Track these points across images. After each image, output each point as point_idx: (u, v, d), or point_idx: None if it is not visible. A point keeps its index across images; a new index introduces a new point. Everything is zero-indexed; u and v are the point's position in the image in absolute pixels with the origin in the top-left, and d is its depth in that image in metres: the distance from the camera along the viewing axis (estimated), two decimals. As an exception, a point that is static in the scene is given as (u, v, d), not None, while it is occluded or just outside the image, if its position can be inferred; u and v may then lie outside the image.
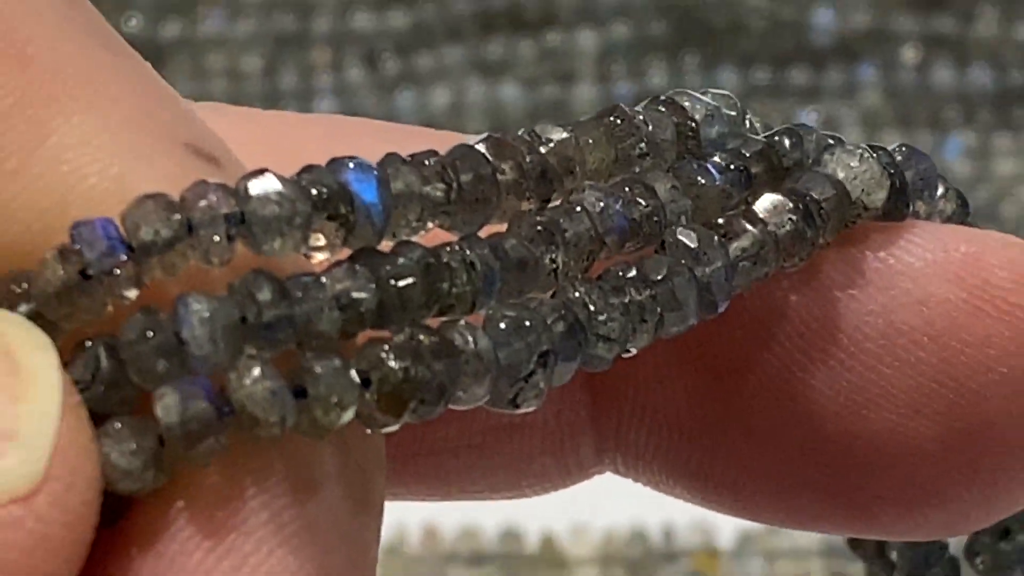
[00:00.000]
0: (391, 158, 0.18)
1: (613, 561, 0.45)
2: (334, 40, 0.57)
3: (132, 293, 0.17)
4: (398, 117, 0.56)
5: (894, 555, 0.24)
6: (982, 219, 0.47)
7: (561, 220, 0.19)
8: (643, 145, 0.20)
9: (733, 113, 0.21)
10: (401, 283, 0.18)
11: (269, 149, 0.20)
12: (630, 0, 0.57)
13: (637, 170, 0.20)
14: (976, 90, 0.56)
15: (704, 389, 0.21)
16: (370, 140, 0.21)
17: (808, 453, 0.21)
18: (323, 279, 0.18)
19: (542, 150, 0.19)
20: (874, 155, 0.21)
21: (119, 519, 0.18)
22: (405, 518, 0.46)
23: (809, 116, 0.56)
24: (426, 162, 0.18)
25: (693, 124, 0.20)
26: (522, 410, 0.19)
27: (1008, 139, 0.56)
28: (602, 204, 0.19)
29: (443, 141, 0.20)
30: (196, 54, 0.57)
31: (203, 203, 0.17)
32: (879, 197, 0.20)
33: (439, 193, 0.18)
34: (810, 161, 0.21)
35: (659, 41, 0.57)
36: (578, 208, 0.19)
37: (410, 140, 0.20)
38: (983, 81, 0.56)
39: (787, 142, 0.20)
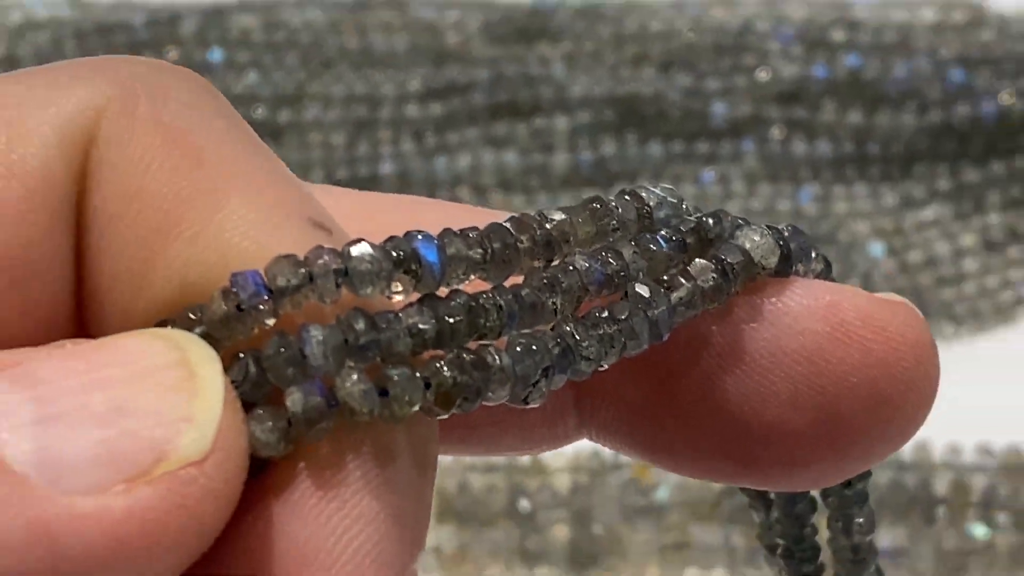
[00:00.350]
0: (446, 231, 0.21)
1: (579, 469, 0.50)
2: (393, 123, 0.62)
3: (271, 321, 0.20)
4: (436, 174, 0.62)
5: (772, 495, 0.27)
6: (824, 243, 0.58)
7: (559, 275, 0.22)
8: (614, 223, 0.23)
9: (675, 201, 0.24)
10: (452, 319, 0.21)
11: (364, 219, 0.23)
12: (590, 96, 0.62)
13: (611, 240, 0.23)
14: (821, 156, 0.62)
15: (651, 388, 0.24)
16: (432, 214, 0.23)
17: (720, 432, 0.24)
18: (400, 315, 0.21)
19: (548, 226, 0.22)
20: (770, 232, 0.23)
21: (259, 475, 0.20)
22: None
23: (709, 174, 0.62)
24: (470, 235, 0.21)
25: (648, 208, 0.23)
26: (530, 406, 0.22)
27: (843, 189, 0.62)
28: (586, 264, 0.22)
29: (482, 216, 0.23)
30: (301, 133, 0.62)
31: (320, 261, 0.20)
32: (773, 261, 0.23)
33: (478, 256, 0.21)
34: (727, 235, 0.23)
35: (609, 124, 0.62)
36: (571, 267, 0.22)
37: (459, 214, 0.23)
38: (824, 150, 0.62)
39: (711, 222, 0.23)
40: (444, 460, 0.46)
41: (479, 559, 0.51)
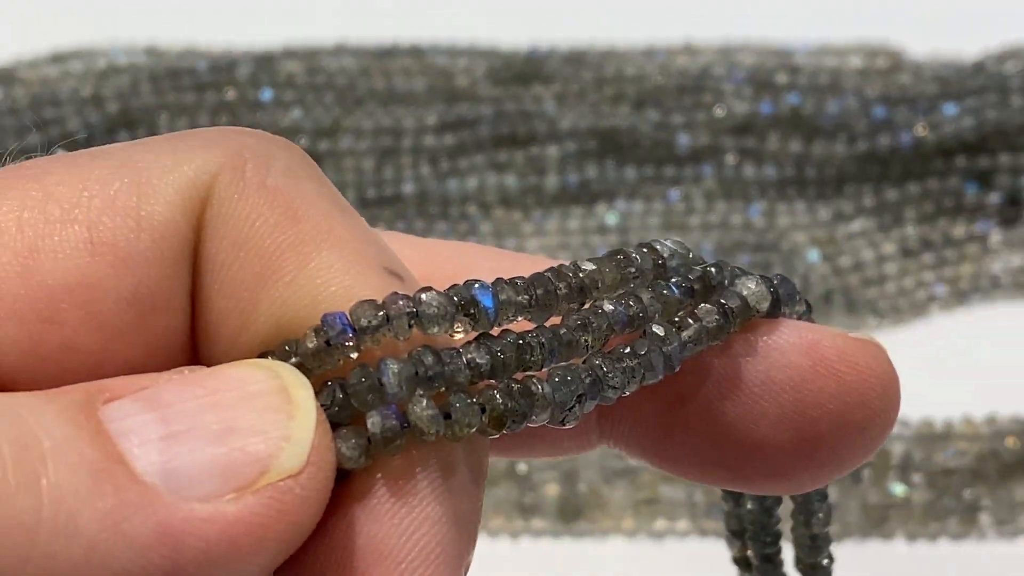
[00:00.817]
0: (499, 281, 0.21)
1: None
2: (413, 151, 0.62)
3: (355, 355, 0.20)
4: (449, 194, 0.62)
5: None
6: (769, 251, 0.60)
7: (590, 317, 0.22)
8: (634, 271, 0.23)
9: (684, 252, 0.23)
10: (504, 355, 0.21)
11: (426, 263, 0.23)
12: (576, 129, 0.62)
13: (631, 285, 0.23)
14: (767, 179, 0.62)
15: (662, 409, 0.24)
16: (480, 259, 0.24)
17: (718, 446, 0.24)
18: (460, 351, 0.21)
19: (580, 275, 0.22)
20: (763, 280, 0.23)
21: (343, 484, 0.20)
22: None
23: (675, 193, 0.61)
24: (518, 283, 0.21)
25: (662, 259, 0.23)
26: (567, 427, 0.22)
27: (785, 206, 0.62)
28: (612, 308, 0.22)
29: (523, 261, 0.23)
30: (337, 159, 0.62)
31: (395, 305, 0.20)
32: (765, 305, 0.23)
33: (525, 301, 0.21)
34: (727, 282, 0.23)
35: (592, 152, 0.62)
36: (600, 310, 0.22)
37: (504, 259, 0.24)
38: (770, 174, 0.62)
39: (714, 271, 0.23)
40: None
41: (484, 512, 0.49)
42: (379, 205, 0.62)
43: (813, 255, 0.61)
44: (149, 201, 0.20)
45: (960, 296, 0.59)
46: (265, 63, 0.66)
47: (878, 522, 0.50)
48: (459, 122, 0.63)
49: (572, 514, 0.50)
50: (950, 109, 0.62)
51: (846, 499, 0.50)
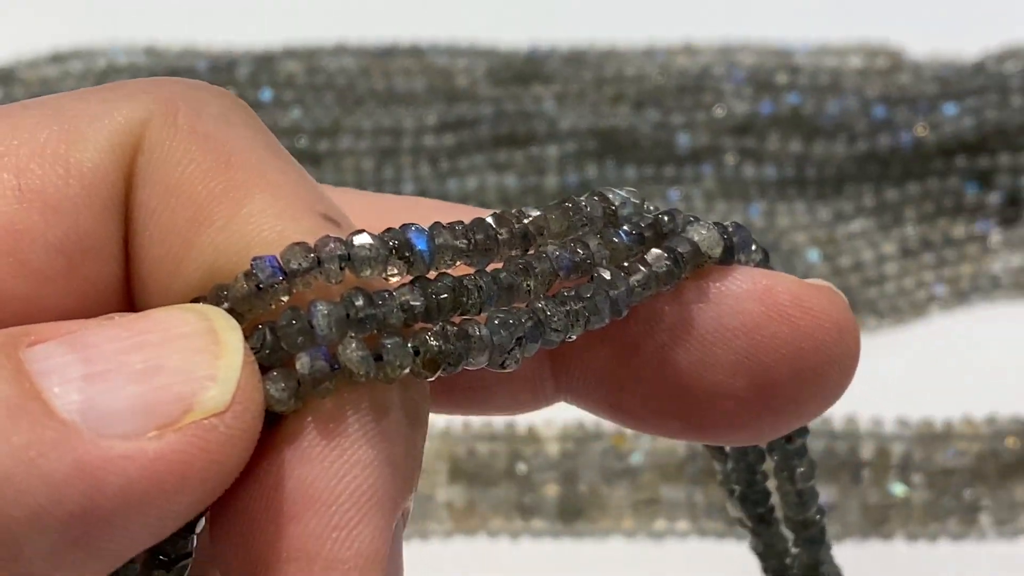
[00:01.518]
0: (436, 224, 0.21)
1: (567, 438, 0.49)
2: (413, 151, 0.62)
3: (285, 298, 0.20)
4: (448, 194, 0.61)
5: (727, 449, 0.27)
6: (770, 251, 0.58)
7: (533, 262, 0.21)
8: (583, 219, 0.22)
9: (637, 201, 0.23)
10: (439, 297, 0.20)
11: (372, 216, 0.22)
12: (575, 129, 0.61)
13: (580, 234, 0.22)
14: (767, 179, 0.61)
15: (614, 359, 0.23)
16: (431, 212, 0.23)
17: (672, 396, 0.23)
18: (394, 293, 0.20)
19: (525, 221, 0.22)
20: (716, 227, 0.23)
21: (273, 428, 0.20)
22: (452, 419, 0.49)
23: (675, 193, 0.61)
24: (456, 227, 0.21)
25: (613, 208, 0.23)
26: (507, 370, 0.21)
27: (785, 206, 0.61)
28: (557, 253, 0.22)
29: (471, 213, 0.23)
30: (337, 159, 0.62)
31: (327, 248, 0.20)
32: (717, 252, 0.23)
33: (463, 245, 0.21)
34: (679, 229, 0.23)
35: (592, 152, 0.62)
36: (543, 255, 0.22)
37: (452, 212, 0.23)
38: (770, 174, 0.61)
39: (666, 218, 0.23)
40: (455, 431, 0.50)
41: (484, 513, 0.50)
42: (379, 205, 0.62)
43: (813, 255, 0.61)
44: (78, 148, 0.20)
45: (960, 296, 0.59)
46: (265, 63, 0.66)
47: (878, 522, 0.49)
48: (459, 122, 0.63)
49: (572, 514, 0.50)
50: (950, 109, 0.61)
51: (846, 499, 0.49)
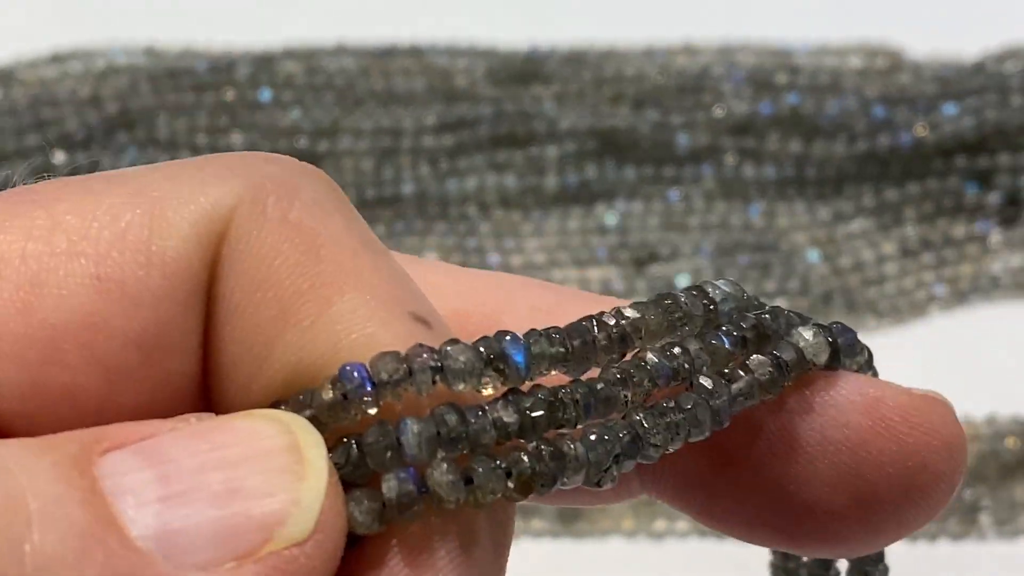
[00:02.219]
0: (532, 332, 0.20)
1: None
2: (413, 152, 0.62)
3: (373, 411, 0.19)
4: (448, 194, 0.61)
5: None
6: (768, 251, 0.60)
7: (632, 370, 0.21)
8: (682, 316, 0.21)
9: (738, 294, 0.22)
10: (534, 413, 0.20)
11: (459, 297, 0.22)
12: (575, 129, 0.62)
13: (679, 332, 0.21)
14: (766, 179, 0.62)
15: (708, 465, 0.23)
16: (518, 289, 0.22)
17: (768, 507, 0.22)
18: (487, 408, 0.20)
19: (623, 323, 0.21)
20: (821, 331, 0.22)
21: (355, 549, 0.19)
22: None
23: (674, 193, 0.61)
24: (553, 335, 0.20)
25: (714, 304, 0.22)
26: (602, 489, 0.20)
27: (785, 206, 0.62)
28: (656, 360, 0.21)
29: (565, 297, 0.22)
30: (337, 160, 0.62)
31: (419, 359, 0.19)
32: (823, 359, 0.22)
33: (560, 353, 0.20)
34: (783, 331, 0.22)
35: (591, 152, 0.62)
36: (642, 363, 0.21)
37: (543, 294, 0.23)
38: (770, 174, 0.62)
39: (769, 319, 0.22)
40: None
41: None
42: (378, 206, 0.62)
43: (813, 255, 0.61)
44: (162, 235, 0.19)
45: (960, 296, 0.59)
46: (264, 63, 0.66)
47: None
48: (458, 122, 0.63)
49: (571, 515, 0.50)
50: (950, 109, 0.62)
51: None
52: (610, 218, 0.63)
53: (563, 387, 0.20)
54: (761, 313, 0.22)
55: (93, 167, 0.61)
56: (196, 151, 0.62)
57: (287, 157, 0.21)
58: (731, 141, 0.63)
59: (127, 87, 0.65)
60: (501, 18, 0.72)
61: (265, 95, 0.64)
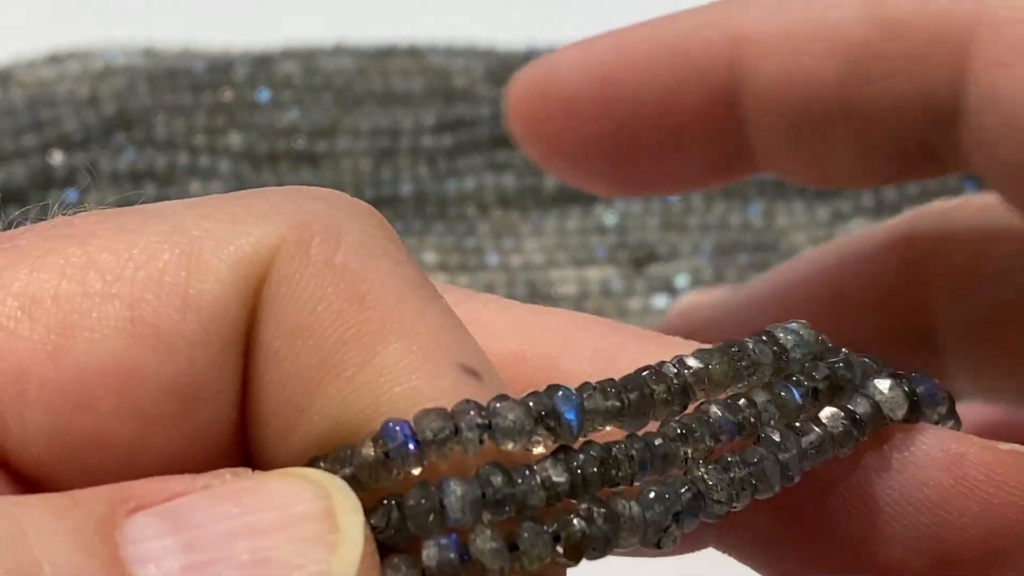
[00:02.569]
0: (585, 387, 0.19)
1: None
2: (411, 152, 0.62)
3: (416, 471, 0.18)
4: (447, 194, 0.61)
5: None
6: (767, 251, 0.60)
7: (693, 424, 0.20)
8: (750, 365, 0.20)
9: (810, 339, 0.21)
10: (585, 471, 0.19)
11: (514, 335, 0.21)
12: (574, 128, 0.66)
13: (745, 381, 0.20)
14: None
15: (776, 521, 0.21)
16: (583, 335, 0.21)
17: (840, 566, 0.21)
18: (535, 468, 0.19)
19: (685, 373, 0.20)
20: (899, 384, 0.21)
21: None
22: None
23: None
24: (608, 388, 0.19)
25: (785, 350, 0.21)
26: (663, 550, 0.19)
27: (784, 206, 0.62)
28: (719, 414, 0.20)
29: (628, 338, 0.21)
30: (335, 160, 0.62)
31: (466, 417, 0.18)
32: (901, 413, 0.21)
33: (615, 408, 0.19)
34: (858, 382, 0.21)
35: (589, 151, 0.66)
36: (704, 417, 0.20)
37: (606, 333, 0.21)
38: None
39: (843, 368, 0.21)
40: None
41: None
42: (377, 206, 0.60)
43: (812, 255, 0.61)
44: (200, 278, 0.18)
45: (959, 296, 0.59)
46: (262, 64, 0.66)
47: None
48: (457, 123, 0.63)
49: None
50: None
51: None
52: (609, 218, 0.63)
53: (618, 443, 0.19)
54: (835, 362, 0.21)
55: (91, 168, 0.61)
56: (194, 151, 0.62)
57: (335, 192, 0.20)
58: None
59: (125, 87, 0.65)
60: (499, 18, 0.72)
61: (263, 95, 0.64)
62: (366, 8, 0.75)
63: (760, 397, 0.20)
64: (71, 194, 0.60)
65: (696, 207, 0.62)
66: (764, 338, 0.21)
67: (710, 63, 0.26)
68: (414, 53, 0.67)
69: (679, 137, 0.27)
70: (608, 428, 0.19)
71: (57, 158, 0.61)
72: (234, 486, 0.18)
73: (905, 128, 0.25)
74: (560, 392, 0.19)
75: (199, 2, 0.76)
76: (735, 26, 0.26)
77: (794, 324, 0.21)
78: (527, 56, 0.66)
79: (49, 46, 0.68)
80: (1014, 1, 0.22)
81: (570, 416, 0.19)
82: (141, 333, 0.18)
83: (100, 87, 0.65)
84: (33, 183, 0.61)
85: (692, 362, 0.20)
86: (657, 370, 0.20)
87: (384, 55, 0.67)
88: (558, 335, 0.21)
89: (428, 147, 0.63)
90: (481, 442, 0.18)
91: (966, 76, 0.24)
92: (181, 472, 0.18)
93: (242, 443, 0.19)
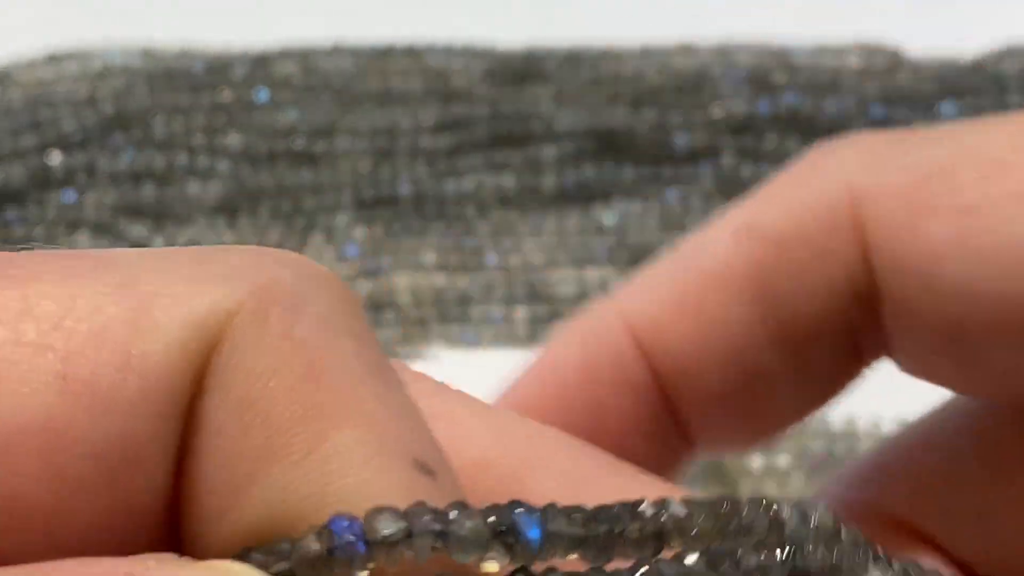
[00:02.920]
0: (551, 508, 0.18)
1: None
2: (410, 152, 0.62)
3: (363, 574, 0.17)
4: (445, 194, 0.61)
5: None
6: None
7: (663, 569, 0.18)
8: (739, 527, 0.18)
9: (827, 523, 0.19)
10: None
11: (486, 443, 0.20)
12: (573, 129, 0.62)
13: (732, 540, 0.18)
14: (765, 178, 0.58)
15: None
16: (558, 454, 0.20)
17: None
18: None
19: (663, 518, 0.18)
20: (904, 572, 0.19)
21: None
22: None
23: (672, 193, 0.61)
24: (575, 515, 0.18)
25: (781, 521, 0.19)
26: None
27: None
28: (697, 569, 0.18)
29: (605, 467, 0.20)
30: (334, 160, 0.62)
31: (421, 521, 0.17)
32: None
33: (580, 535, 0.18)
34: (860, 570, 0.19)
35: (589, 151, 0.62)
36: (678, 564, 0.18)
37: (584, 460, 0.20)
38: (769, 173, 0.56)
39: (838, 550, 0.19)
40: None
41: None
42: (376, 206, 0.62)
43: (811, 255, 0.61)
44: (145, 338, 0.17)
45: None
46: (261, 64, 0.66)
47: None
48: (456, 123, 0.63)
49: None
50: (948, 108, 0.62)
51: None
52: (608, 218, 0.63)
53: (579, 574, 0.18)
54: (836, 555, 0.19)
55: (90, 168, 0.61)
56: (192, 152, 0.62)
57: (300, 258, 0.18)
58: (729, 141, 0.63)
59: (123, 88, 0.65)
60: (498, 18, 0.72)
61: (262, 95, 0.64)
62: (364, 8, 0.75)
63: (748, 560, 0.18)
64: (69, 194, 0.60)
65: (696, 207, 0.63)
66: (763, 507, 0.19)
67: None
68: (412, 53, 0.67)
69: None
70: (573, 557, 0.18)
71: (55, 158, 0.61)
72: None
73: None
74: (522, 508, 0.18)
75: (197, 2, 0.76)
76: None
77: (810, 503, 0.19)
78: (526, 56, 0.66)
79: (47, 46, 0.68)
80: (883, 176, 0.21)
81: (531, 535, 0.17)
82: (74, 391, 0.17)
83: (98, 87, 0.65)
84: (31, 183, 0.61)
85: (676, 508, 0.18)
86: (633, 507, 0.18)
87: (382, 55, 0.67)
88: (528, 447, 0.20)
89: (427, 147, 0.63)
90: (433, 549, 0.17)
91: (868, 253, 0.22)
92: (104, 546, 0.17)
93: (173, 520, 0.18)
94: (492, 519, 0.17)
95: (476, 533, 0.17)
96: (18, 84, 0.66)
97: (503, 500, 0.18)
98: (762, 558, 0.18)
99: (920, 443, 0.27)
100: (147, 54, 0.68)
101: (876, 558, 0.19)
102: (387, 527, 0.17)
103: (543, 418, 0.23)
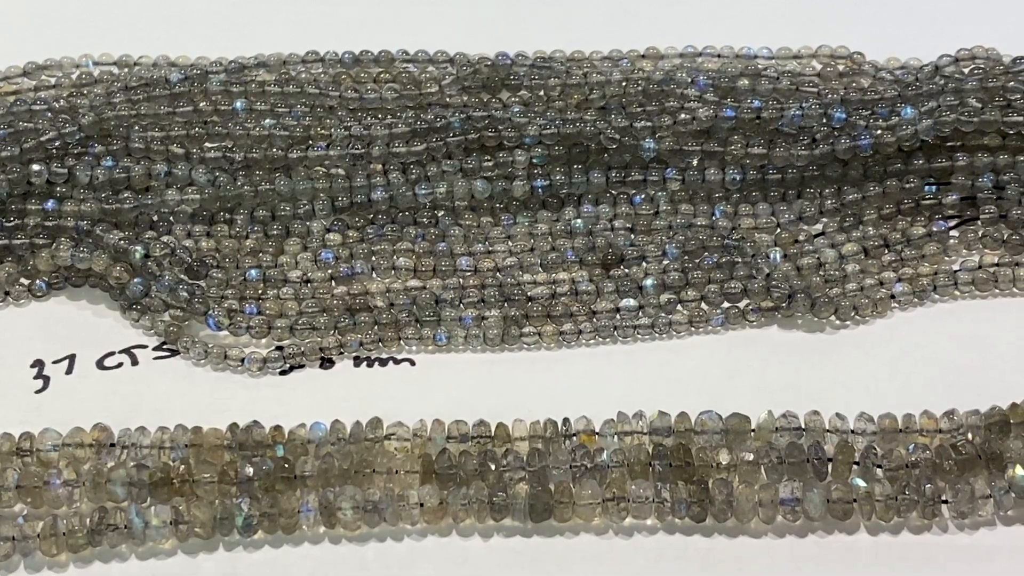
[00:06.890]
0: None
1: (536, 438, 0.50)
2: (384, 158, 0.62)
3: None
4: (419, 199, 0.61)
5: None
6: (733, 251, 0.60)
7: None
8: None
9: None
10: None
11: None
12: (543, 134, 0.62)
13: None
14: (730, 181, 0.62)
15: None
16: None
17: None
18: None
19: None
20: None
21: None
22: (424, 420, 0.49)
23: (639, 197, 0.62)
24: None
25: None
26: None
27: (748, 208, 0.62)
28: None
29: None
30: (309, 167, 0.61)
31: None
32: None
33: None
34: None
35: (559, 157, 0.62)
36: None
37: None
38: (733, 176, 0.62)
39: None
40: (427, 432, 0.51)
41: (456, 512, 0.50)
42: (350, 212, 0.63)
43: (776, 255, 0.61)
44: None
45: (920, 294, 0.60)
46: (237, 74, 0.66)
47: (842, 515, 0.50)
48: (428, 129, 0.63)
49: (542, 513, 0.50)
50: (908, 111, 0.62)
51: (810, 493, 0.49)
52: (578, 221, 0.63)
53: None
54: None
55: (69, 177, 0.61)
56: (171, 160, 0.62)
57: None
58: (695, 145, 0.63)
59: (102, 97, 0.65)
60: (470, 27, 0.73)
61: (238, 104, 0.64)
62: (338, 18, 0.75)
63: None
64: (50, 204, 0.60)
65: (663, 210, 0.63)
66: None
67: None
68: (385, 61, 0.67)
69: None
70: None
71: (35, 169, 0.61)
72: None
73: None
74: None
75: (174, 13, 0.76)
76: None
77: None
78: (496, 63, 0.66)
79: (26, 57, 0.68)
80: None
81: None
82: None
83: (77, 97, 0.65)
84: (12, 194, 0.61)
85: None
86: None
87: (356, 64, 0.68)
88: None
89: (400, 153, 0.63)
90: None
91: None
92: None
93: None
94: None
95: None
96: (-3, 95, 0.66)
97: None
98: None
99: None
100: (124, 64, 0.69)
101: None
102: None
103: None
